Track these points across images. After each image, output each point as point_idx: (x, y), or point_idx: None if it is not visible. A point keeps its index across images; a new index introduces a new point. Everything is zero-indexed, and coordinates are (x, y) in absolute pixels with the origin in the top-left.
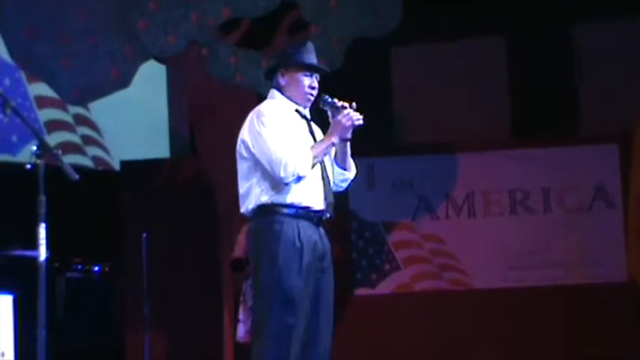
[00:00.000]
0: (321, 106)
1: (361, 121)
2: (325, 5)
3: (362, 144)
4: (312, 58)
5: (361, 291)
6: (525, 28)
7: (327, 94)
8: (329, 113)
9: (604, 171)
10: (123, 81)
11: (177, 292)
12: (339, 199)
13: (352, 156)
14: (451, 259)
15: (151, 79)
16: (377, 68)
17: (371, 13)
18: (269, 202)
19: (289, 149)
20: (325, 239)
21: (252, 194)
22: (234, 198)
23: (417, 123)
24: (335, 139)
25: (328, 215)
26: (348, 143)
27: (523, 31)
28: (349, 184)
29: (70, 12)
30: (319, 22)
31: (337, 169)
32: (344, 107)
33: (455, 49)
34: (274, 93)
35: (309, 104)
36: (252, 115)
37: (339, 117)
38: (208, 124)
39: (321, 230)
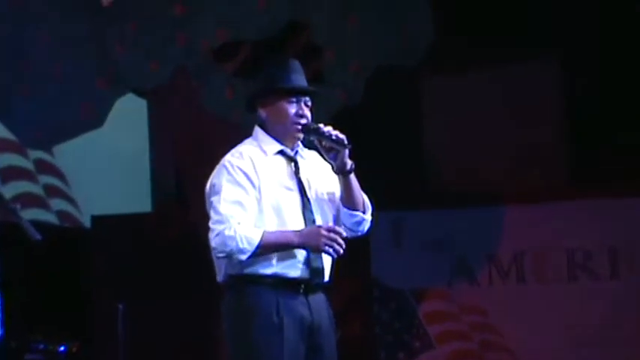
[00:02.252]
0: (305, 136)
1: (341, 250)
2: (342, 25)
3: (386, 194)
4: (297, 79)
5: None
6: (587, 48)
7: (343, 133)
8: (316, 144)
9: None
10: (95, 119)
11: None
12: (355, 260)
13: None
14: (495, 335)
15: (129, 117)
16: (404, 102)
17: (397, 35)
18: (239, 273)
19: (235, 219)
20: (320, 310)
21: (220, 262)
22: None
23: (453, 168)
24: (296, 242)
25: (318, 282)
26: (352, 176)
27: (584, 52)
28: (370, 225)
29: (32, 32)
30: (334, 46)
31: (345, 211)
32: (335, 139)
33: (499, 78)
34: (256, 131)
35: (299, 138)
36: (218, 166)
37: (320, 230)
38: (199, 170)
39: (314, 299)
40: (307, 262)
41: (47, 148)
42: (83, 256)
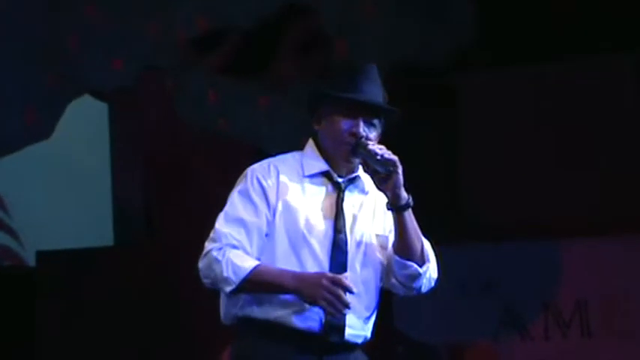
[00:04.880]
0: (352, 155)
1: (344, 310)
2: (357, 10)
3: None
4: (363, 90)
5: None
6: None
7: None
8: (362, 165)
9: None
10: (42, 129)
11: None
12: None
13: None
14: None
15: (85, 126)
16: (435, 109)
17: (429, 23)
18: (237, 313)
19: (229, 239)
20: None
21: (225, 299)
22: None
23: (499, 193)
24: (291, 287)
25: (336, 340)
26: (408, 215)
27: None
28: (434, 283)
29: None
30: (348, 35)
31: (397, 259)
32: (381, 160)
33: (555, 76)
34: (308, 144)
35: (351, 159)
36: None
37: (320, 279)
38: (174, 193)
39: None
40: (322, 314)
41: None
42: (26, 302)
